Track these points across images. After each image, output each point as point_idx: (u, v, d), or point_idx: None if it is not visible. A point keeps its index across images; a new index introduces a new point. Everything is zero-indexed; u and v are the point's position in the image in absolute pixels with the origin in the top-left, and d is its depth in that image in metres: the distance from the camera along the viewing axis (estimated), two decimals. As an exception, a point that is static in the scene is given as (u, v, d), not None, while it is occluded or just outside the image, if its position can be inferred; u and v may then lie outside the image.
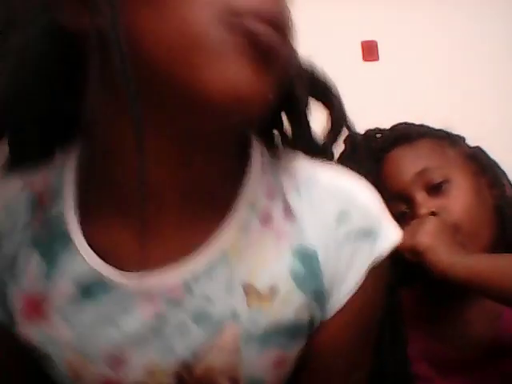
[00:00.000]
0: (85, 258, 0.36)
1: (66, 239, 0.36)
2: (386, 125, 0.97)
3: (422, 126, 0.83)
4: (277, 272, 0.38)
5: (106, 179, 0.36)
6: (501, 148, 0.82)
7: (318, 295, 0.39)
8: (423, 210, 0.72)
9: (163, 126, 0.33)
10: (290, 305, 0.39)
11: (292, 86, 0.43)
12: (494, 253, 0.73)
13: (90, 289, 0.36)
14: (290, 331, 0.40)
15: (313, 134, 0.47)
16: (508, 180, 0.80)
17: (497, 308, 0.72)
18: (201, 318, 0.38)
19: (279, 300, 0.38)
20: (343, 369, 0.42)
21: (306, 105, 0.47)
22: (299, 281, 0.39)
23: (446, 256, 0.65)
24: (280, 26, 0.33)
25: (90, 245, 0.36)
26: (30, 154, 0.37)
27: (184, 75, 0.31)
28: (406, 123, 0.83)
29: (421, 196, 0.73)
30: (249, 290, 0.38)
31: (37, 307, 0.35)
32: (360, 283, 0.40)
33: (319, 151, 0.47)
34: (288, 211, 0.40)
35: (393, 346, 0.69)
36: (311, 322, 0.40)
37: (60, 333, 0.36)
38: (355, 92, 1.88)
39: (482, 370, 0.70)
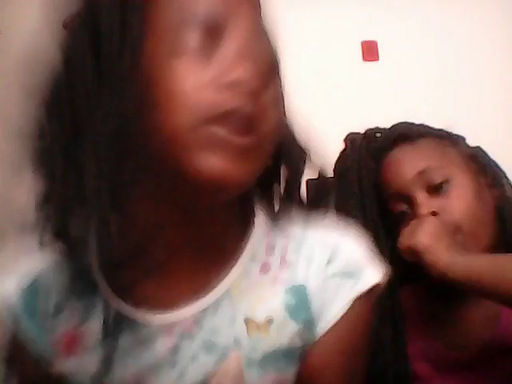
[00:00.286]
0: (109, 301, 0.45)
1: (93, 286, 0.45)
2: (386, 125, 0.97)
3: (422, 125, 0.83)
4: (272, 306, 0.46)
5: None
6: (502, 148, 0.82)
7: (308, 323, 0.47)
8: (424, 210, 0.71)
9: (174, 202, 0.43)
10: (284, 332, 0.46)
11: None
12: (494, 253, 0.73)
13: (114, 327, 0.43)
14: (285, 356, 0.46)
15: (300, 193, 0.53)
16: (508, 181, 0.80)
17: (495, 308, 0.72)
18: (209, 347, 0.45)
19: (275, 328, 0.46)
20: None
21: (298, 169, 0.53)
22: (291, 311, 0.47)
23: (444, 256, 0.64)
24: (259, 98, 0.41)
25: (112, 289, 0.45)
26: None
27: (177, 164, 0.40)
28: (406, 123, 0.83)
29: (421, 196, 0.73)
30: (248, 322, 0.46)
31: (72, 345, 0.43)
32: (343, 313, 0.47)
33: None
34: (284, 262, 0.48)
35: (393, 344, 0.69)
36: (303, 347, 0.47)
37: (90, 366, 0.43)
38: (355, 92, 1.88)
39: (479, 369, 0.70)
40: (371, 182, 0.76)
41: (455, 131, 0.84)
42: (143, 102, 0.40)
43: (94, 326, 0.44)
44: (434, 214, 0.71)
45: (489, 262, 0.63)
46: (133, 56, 0.40)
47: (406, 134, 0.79)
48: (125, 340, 0.44)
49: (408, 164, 0.75)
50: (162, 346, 0.45)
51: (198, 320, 0.45)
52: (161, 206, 0.43)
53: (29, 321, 0.45)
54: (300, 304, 0.47)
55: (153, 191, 0.42)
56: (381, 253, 0.72)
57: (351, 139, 0.82)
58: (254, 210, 0.50)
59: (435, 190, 0.73)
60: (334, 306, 0.47)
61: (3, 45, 1.91)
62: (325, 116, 1.76)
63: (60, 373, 0.43)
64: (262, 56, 0.42)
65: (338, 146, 0.88)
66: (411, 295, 0.77)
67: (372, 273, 0.49)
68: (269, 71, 0.43)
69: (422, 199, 0.72)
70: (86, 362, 0.44)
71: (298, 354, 0.47)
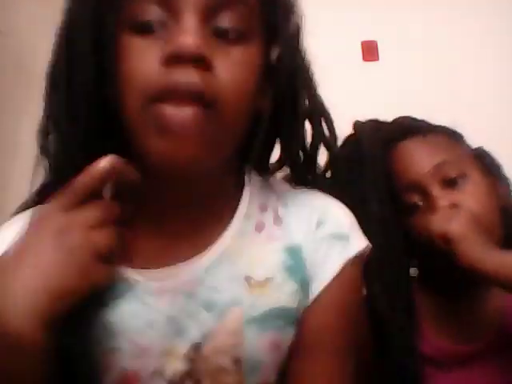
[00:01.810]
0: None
1: None
2: (386, 125, 0.97)
3: (424, 121, 0.82)
4: (271, 265, 0.48)
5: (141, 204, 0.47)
6: (502, 148, 0.82)
7: (303, 283, 0.49)
8: (442, 203, 0.70)
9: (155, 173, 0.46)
10: (283, 291, 0.48)
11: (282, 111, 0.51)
12: None
13: (119, 290, 0.45)
14: (283, 316, 0.48)
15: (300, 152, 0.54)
16: (509, 182, 0.80)
17: (502, 302, 0.72)
18: (210, 305, 0.47)
19: (274, 287, 0.48)
20: (330, 349, 0.49)
21: (296, 129, 0.53)
22: (290, 271, 0.49)
23: (479, 247, 0.64)
24: (202, 65, 0.41)
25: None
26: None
27: (136, 143, 0.44)
28: (408, 117, 0.82)
29: (436, 189, 0.72)
30: (248, 280, 0.47)
31: None
32: (334, 275, 0.49)
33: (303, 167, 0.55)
34: (277, 220, 0.50)
35: (405, 335, 0.68)
36: (298, 309, 0.49)
37: (99, 329, 0.44)
38: (355, 92, 1.88)
39: (484, 364, 0.70)
40: (382, 171, 0.74)
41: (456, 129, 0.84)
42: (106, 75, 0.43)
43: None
44: (453, 206, 0.70)
45: None
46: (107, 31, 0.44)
47: (416, 127, 0.78)
48: (127, 300, 0.46)
49: (424, 156, 0.74)
50: (163, 305, 0.46)
51: (198, 278, 0.47)
52: (147, 174, 0.45)
53: None
54: (297, 264, 0.49)
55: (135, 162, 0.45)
56: (392, 243, 0.71)
57: (358, 126, 0.81)
58: (246, 170, 0.53)
59: (450, 184, 0.72)
60: (325, 267, 0.49)
61: (3, 45, 1.91)
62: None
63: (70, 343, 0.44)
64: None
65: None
66: (417, 287, 0.76)
67: (359, 238, 0.52)
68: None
69: (438, 192, 0.71)
70: (93, 328, 0.45)
71: (294, 314, 0.48)
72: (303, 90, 0.54)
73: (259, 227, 0.50)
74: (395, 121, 0.81)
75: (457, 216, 0.67)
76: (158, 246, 0.47)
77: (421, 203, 0.71)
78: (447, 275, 0.69)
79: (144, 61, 0.42)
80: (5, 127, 1.92)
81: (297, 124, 0.52)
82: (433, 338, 0.73)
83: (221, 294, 0.47)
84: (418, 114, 0.84)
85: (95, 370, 0.45)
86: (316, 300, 0.49)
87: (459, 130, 0.82)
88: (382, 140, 0.76)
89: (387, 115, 0.84)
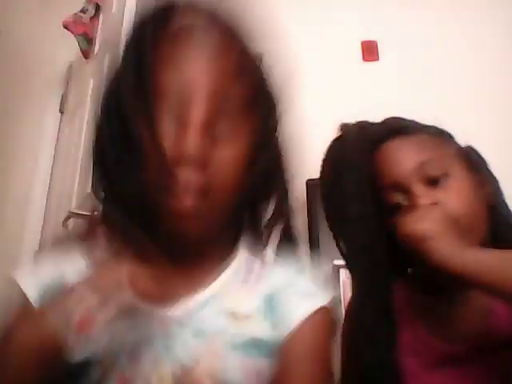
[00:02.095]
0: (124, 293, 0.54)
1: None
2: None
3: (413, 121, 0.82)
4: (251, 307, 0.58)
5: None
6: (501, 147, 0.82)
7: (277, 325, 0.58)
8: (424, 201, 0.70)
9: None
10: (260, 327, 0.57)
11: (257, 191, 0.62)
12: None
13: (127, 312, 0.53)
14: (261, 347, 0.56)
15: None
16: (498, 182, 0.80)
17: (487, 300, 0.71)
18: (198, 333, 0.56)
19: (253, 323, 0.57)
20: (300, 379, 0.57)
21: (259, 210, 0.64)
22: (265, 314, 0.58)
23: (447, 246, 0.63)
24: (198, 163, 0.53)
25: None
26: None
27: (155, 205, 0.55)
28: (397, 117, 0.82)
29: (419, 188, 0.72)
30: (232, 315, 0.57)
31: (88, 324, 0.52)
32: (303, 320, 0.57)
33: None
34: (260, 277, 0.61)
35: (385, 338, 0.69)
36: (273, 345, 0.57)
37: (101, 338, 0.52)
38: (355, 92, 1.88)
39: (470, 364, 0.70)
40: (366, 172, 0.75)
41: (449, 129, 0.84)
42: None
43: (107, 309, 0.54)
44: (433, 205, 0.70)
45: (493, 257, 0.62)
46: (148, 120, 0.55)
47: (402, 127, 0.78)
48: (131, 324, 0.54)
49: (407, 155, 0.74)
50: (158, 330, 0.55)
51: (190, 313, 0.56)
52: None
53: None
54: (271, 310, 0.59)
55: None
56: (374, 244, 0.72)
57: (344, 128, 0.81)
58: (239, 237, 0.64)
59: (433, 183, 0.72)
60: (294, 314, 0.58)
61: (3, 45, 1.91)
62: (325, 116, 1.76)
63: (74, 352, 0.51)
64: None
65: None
66: (402, 287, 0.76)
67: (325, 296, 0.60)
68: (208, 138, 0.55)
69: (421, 191, 0.71)
70: (93, 339, 0.52)
71: (270, 348, 0.57)
72: (275, 185, 0.64)
73: (244, 281, 0.61)
74: (383, 121, 0.81)
75: (430, 214, 0.67)
76: (159, 284, 0.56)
77: (405, 202, 0.71)
78: (428, 275, 0.69)
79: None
80: (5, 127, 1.93)
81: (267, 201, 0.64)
82: (424, 336, 0.73)
83: (208, 324, 0.56)
84: (418, 114, 0.84)
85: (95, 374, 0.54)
86: (287, 342, 0.57)
87: (458, 130, 0.82)
88: (367, 142, 0.76)
89: (387, 115, 0.85)
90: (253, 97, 0.59)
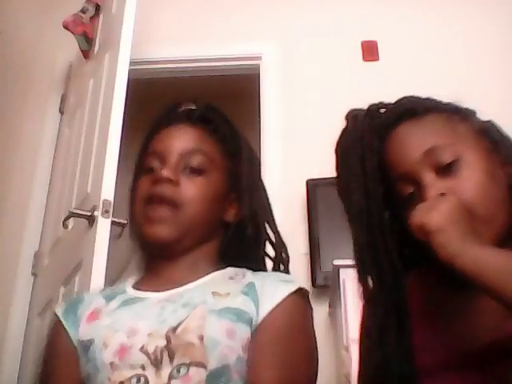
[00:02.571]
0: (128, 291, 0.79)
1: (123, 290, 0.79)
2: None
3: (429, 99, 0.77)
4: (234, 290, 0.73)
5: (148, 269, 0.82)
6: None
7: (256, 304, 0.71)
8: (432, 192, 0.66)
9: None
10: (239, 300, 0.71)
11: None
12: (509, 237, 0.68)
13: (129, 301, 0.76)
14: (237, 313, 0.70)
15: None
16: None
17: None
18: (185, 305, 0.72)
19: (232, 297, 0.72)
20: (274, 359, 0.69)
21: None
22: (245, 294, 0.73)
23: (456, 241, 0.60)
24: (169, 201, 0.76)
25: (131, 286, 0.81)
26: None
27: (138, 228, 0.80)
28: (412, 97, 0.77)
29: (429, 177, 0.66)
30: (215, 294, 0.72)
31: (96, 314, 0.75)
32: (279, 301, 0.71)
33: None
34: (244, 277, 0.76)
35: (397, 336, 0.65)
36: (250, 317, 0.70)
37: (104, 321, 0.73)
38: (355, 92, 1.88)
39: (484, 367, 0.65)
40: (375, 163, 0.70)
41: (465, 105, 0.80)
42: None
43: (113, 303, 0.76)
44: (443, 195, 0.66)
45: (501, 260, 0.58)
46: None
47: (411, 109, 0.73)
48: (133, 308, 0.74)
49: (414, 142, 0.68)
50: (154, 306, 0.73)
51: (180, 295, 0.74)
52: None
53: (67, 321, 0.76)
54: (251, 291, 0.73)
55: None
56: (383, 238, 0.68)
57: (353, 116, 0.76)
58: (227, 253, 0.81)
59: (444, 170, 0.66)
60: (272, 297, 0.71)
61: (3, 45, 1.91)
62: (325, 116, 1.76)
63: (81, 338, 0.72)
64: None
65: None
66: (417, 279, 0.72)
67: (299, 283, 0.74)
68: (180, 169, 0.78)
69: (430, 180, 0.66)
70: (102, 321, 0.73)
71: (248, 317, 0.70)
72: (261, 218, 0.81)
73: (231, 278, 0.76)
74: (396, 102, 0.77)
75: (438, 206, 0.63)
76: (156, 279, 0.79)
77: (417, 193, 0.68)
78: (439, 270, 0.65)
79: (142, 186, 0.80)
80: (5, 127, 1.93)
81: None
82: (431, 333, 0.70)
83: (194, 299, 0.72)
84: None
85: (98, 347, 0.70)
86: (264, 319, 0.70)
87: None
88: (376, 130, 0.72)
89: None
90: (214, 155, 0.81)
